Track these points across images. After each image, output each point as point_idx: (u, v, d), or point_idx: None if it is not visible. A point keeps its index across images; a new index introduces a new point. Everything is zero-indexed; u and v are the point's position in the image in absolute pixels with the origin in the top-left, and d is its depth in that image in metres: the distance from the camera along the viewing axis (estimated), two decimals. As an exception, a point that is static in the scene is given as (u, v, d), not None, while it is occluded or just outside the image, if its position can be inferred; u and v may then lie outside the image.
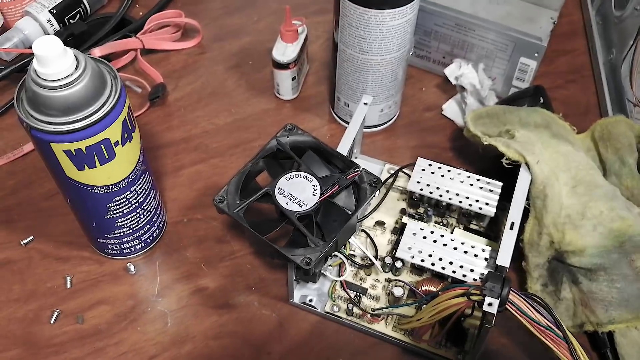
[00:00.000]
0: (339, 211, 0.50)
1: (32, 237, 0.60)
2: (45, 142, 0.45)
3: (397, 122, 0.69)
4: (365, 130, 0.66)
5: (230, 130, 0.68)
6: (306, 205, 0.49)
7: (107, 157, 0.47)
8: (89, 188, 0.49)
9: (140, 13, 0.78)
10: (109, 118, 0.46)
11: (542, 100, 0.64)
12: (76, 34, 0.71)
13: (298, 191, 0.50)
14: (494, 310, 0.46)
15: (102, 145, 0.46)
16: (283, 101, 0.70)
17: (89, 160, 0.47)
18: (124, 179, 0.50)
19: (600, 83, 0.71)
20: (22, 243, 0.59)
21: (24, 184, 0.63)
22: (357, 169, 0.51)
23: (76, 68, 0.44)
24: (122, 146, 0.48)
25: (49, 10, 0.71)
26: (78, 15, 0.74)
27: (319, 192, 0.50)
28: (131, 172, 0.51)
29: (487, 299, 0.46)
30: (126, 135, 0.48)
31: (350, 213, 0.50)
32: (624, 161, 0.58)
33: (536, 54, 0.65)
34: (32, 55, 0.44)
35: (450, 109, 0.69)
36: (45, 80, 0.43)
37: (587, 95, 0.72)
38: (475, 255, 0.53)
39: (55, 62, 0.43)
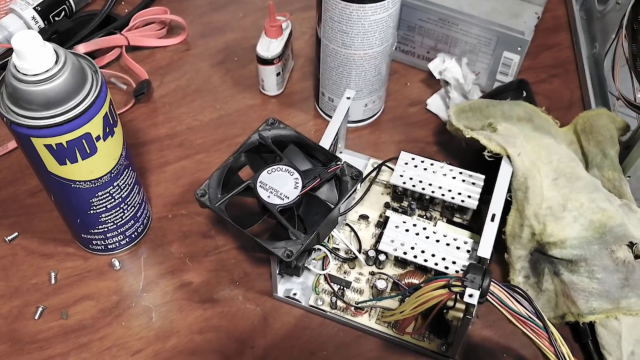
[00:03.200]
0: (321, 204, 0.50)
1: (16, 233, 0.60)
2: (26, 137, 0.45)
3: (381, 117, 0.69)
4: (349, 125, 0.66)
5: (215, 126, 0.68)
6: (288, 198, 0.49)
7: (88, 151, 0.48)
8: (71, 183, 0.49)
9: (126, 10, 0.78)
10: (89, 112, 0.46)
11: (525, 94, 0.64)
12: (61, 31, 0.71)
13: (280, 184, 0.50)
14: (474, 301, 0.46)
15: (83, 140, 0.47)
16: (268, 97, 0.71)
17: (71, 155, 0.47)
18: (106, 174, 0.51)
19: (584, 77, 0.71)
20: (6, 240, 0.59)
21: (8, 181, 0.64)
22: (338, 162, 0.51)
23: (56, 62, 0.44)
24: (104, 141, 0.48)
25: (34, 8, 0.71)
26: (63, 13, 0.74)
27: (300, 185, 0.50)
28: (114, 167, 0.51)
29: (468, 290, 0.46)
30: (108, 130, 0.48)
31: (332, 206, 0.50)
32: (606, 153, 0.59)
33: (519, 48, 0.65)
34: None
35: (435, 103, 0.69)
36: (25, 74, 0.43)
37: (570, 89, 0.72)
38: (458, 248, 0.53)
39: (34, 56, 0.43)
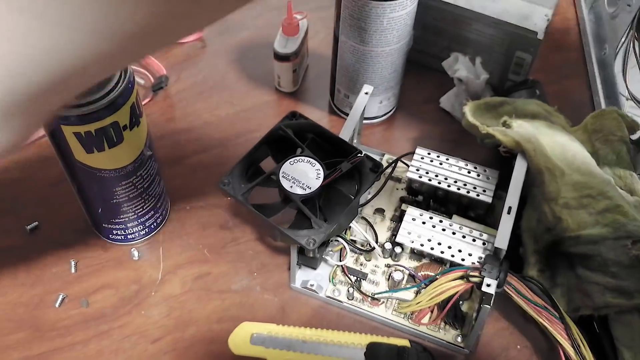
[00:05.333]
0: (341, 195, 0.51)
1: (37, 223, 0.61)
2: (55, 125, 0.46)
3: (395, 114, 0.70)
4: (364, 121, 0.67)
5: (231, 121, 0.69)
6: (310, 188, 0.50)
7: (115, 140, 0.49)
8: (97, 172, 0.50)
9: (143, 7, 0.79)
10: (118, 102, 0.47)
11: (538, 93, 0.65)
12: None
13: (301, 175, 0.51)
14: (492, 290, 0.47)
15: (111, 129, 0.47)
16: (283, 94, 0.72)
17: (98, 144, 0.48)
18: (130, 164, 0.52)
19: (594, 78, 0.73)
20: (27, 229, 0.60)
21: (29, 172, 0.64)
22: (359, 154, 0.52)
23: (87, 52, 0.45)
24: (130, 130, 0.49)
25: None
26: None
27: (322, 176, 0.51)
28: (138, 157, 0.52)
29: (486, 280, 0.48)
30: (134, 120, 0.49)
31: (352, 197, 0.51)
32: (616, 152, 0.60)
33: (532, 49, 0.67)
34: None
35: (448, 101, 0.70)
36: (57, 63, 0.44)
37: (580, 90, 0.73)
38: (474, 240, 0.54)
39: (67, 45, 0.44)
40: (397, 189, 0.62)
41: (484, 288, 0.47)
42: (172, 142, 0.67)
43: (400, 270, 0.55)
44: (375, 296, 0.55)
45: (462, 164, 0.59)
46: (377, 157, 0.64)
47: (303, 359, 0.52)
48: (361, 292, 0.55)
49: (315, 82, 0.73)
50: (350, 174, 0.53)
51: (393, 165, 0.62)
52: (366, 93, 0.60)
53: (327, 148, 0.54)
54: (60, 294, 0.56)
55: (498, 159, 0.60)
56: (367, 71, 0.63)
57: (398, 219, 0.60)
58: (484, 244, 0.54)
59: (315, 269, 0.57)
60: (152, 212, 0.58)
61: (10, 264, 0.58)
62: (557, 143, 0.57)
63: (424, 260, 0.57)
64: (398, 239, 0.55)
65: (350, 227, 0.56)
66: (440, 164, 0.59)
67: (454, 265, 0.54)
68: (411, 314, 0.55)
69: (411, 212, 0.56)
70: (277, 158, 0.53)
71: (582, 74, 0.75)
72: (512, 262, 0.57)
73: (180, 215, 0.62)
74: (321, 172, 0.51)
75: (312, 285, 0.56)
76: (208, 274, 0.58)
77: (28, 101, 0.31)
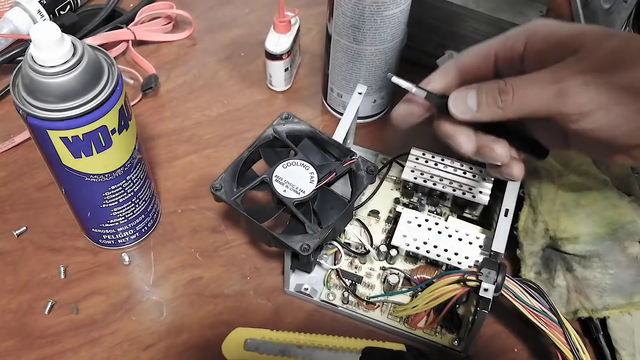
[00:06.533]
0: (336, 198, 0.50)
1: (25, 227, 0.59)
2: (42, 129, 0.45)
3: (389, 113, 0.69)
4: (358, 121, 0.66)
5: (222, 121, 0.68)
6: (303, 192, 0.49)
7: (103, 144, 0.47)
8: (85, 176, 0.49)
9: (131, 5, 0.77)
10: (106, 105, 0.46)
11: (533, 91, 0.64)
12: (67, 25, 0.71)
13: (295, 179, 0.50)
14: (490, 295, 0.47)
15: (99, 133, 0.46)
16: (275, 92, 0.71)
17: (86, 148, 0.47)
18: (119, 168, 0.50)
19: (589, 75, 0.72)
20: (14, 234, 0.59)
21: (15, 175, 0.63)
22: (353, 157, 0.51)
23: (73, 55, 0.44)
24: (119, 134, 0.48)
25: (39, 1, 0.71)
26: (68, 7, 0.74)
27: (316, 179, 0.50)
28: (127, 161, 0.51)
29: (483, 285, 0.47)
30: (123, 123, 0.48)
31: (347, 200, 0.50)
32: (614, 151, 0.59)
33: (527, 45, 0.66)
34: (25, 45, 0.43)
35: (442, 100, 0.69)
36: (42, 66, 0.43)
37: (576, 87, 0.72)
38: (470, 243, 0.53)
39: (52, 48, 0.43)
40: (392, 190, 0.61)
41: (482, 293, 0.47)
42: (163, 143, 0.66)
43: (395, 274, 0.55)
44: (371, 300, 0.54)
45: (457, 164, 0.58)
46: (371, 157, 0.63)
47: (298, 365, 0.51)
48: (356, 296, 0.54)
49: (308, 80, 0.72)
50: (344, 176, 0.52)
51: (388, 166, 0.61)
52: (360, 93, 0.58)
53: (321, 150, 0.53)
54: (50, 300, 0.55)
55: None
56: (360, 70, 0.62)
57: (393, 220, 0.59)
58: (480, 246, 0.53)
59: (309, 272, 0.56)
60: (143, 216, 0.57)
61: (-3, 270, 0.57)
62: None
63: (420, 263, 0.56)
64: (394, 242, 0.54)
65: (344, 230, 0.55)
66: (436, 164, 0.58)
67: (450, 269, 0.53)
68: (407, 318, 0.54)
69: (407, 214, 0.55)
70: (270, 160, 0.52)
71: (577, 70, 0.74)
72: (508, 262, 0.57)
73: (171, 218, 0.61)
74: (315, 175, 0.50)
75: (306, 289, 0.55)
76: (200, 278, 0.57)
77: None
